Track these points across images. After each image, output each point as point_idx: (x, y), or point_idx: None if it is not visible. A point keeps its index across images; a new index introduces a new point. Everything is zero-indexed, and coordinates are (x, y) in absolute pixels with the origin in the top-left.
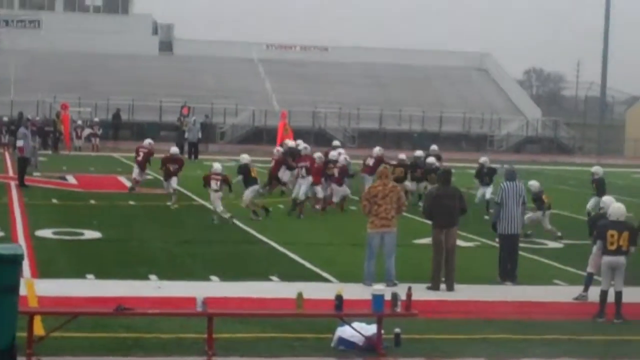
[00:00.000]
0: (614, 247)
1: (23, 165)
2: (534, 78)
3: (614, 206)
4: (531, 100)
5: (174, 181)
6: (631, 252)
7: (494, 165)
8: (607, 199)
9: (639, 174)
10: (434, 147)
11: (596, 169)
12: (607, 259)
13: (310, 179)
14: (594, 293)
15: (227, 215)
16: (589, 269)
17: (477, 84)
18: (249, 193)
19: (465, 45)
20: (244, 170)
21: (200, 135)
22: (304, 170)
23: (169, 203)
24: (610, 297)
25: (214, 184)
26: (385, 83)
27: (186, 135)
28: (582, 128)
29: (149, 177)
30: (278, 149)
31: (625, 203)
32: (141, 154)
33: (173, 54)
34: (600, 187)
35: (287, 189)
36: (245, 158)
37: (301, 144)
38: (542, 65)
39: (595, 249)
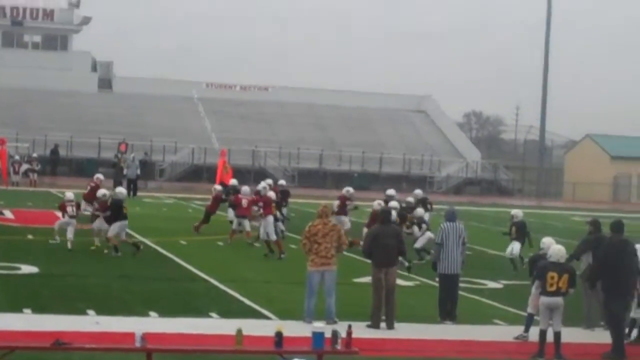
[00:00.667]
0: (553, 289)
1: None
2: (474, 121)
3: (554, 248)
4: (470, 143)
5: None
6: (570, 294)
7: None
8: (547, 240)
9: (578, 216)
10: (418, 191)
11: (515, 212)
12: (545, 300)
13: (270, 218)
14: (534, 333)
15: (69, 244)
16: (530, 310)
17: (416, 126)
18: (116, 228)
19: (404, 88)
20: (116, 205)
21: (139, 172)
22: (260, 210)
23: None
24: (550, 337)
25: (70, 210)
26: (325, 124)
27: (125, 172)
28: (522, 171)
29: (86, 212)
30: (215, 187)
31: (564, 245)
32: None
33: (112, 91)
34: (520, 230)
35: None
36: (121, 193)
37: (261, 184)
38: (481, 108)
39: (534, 288)
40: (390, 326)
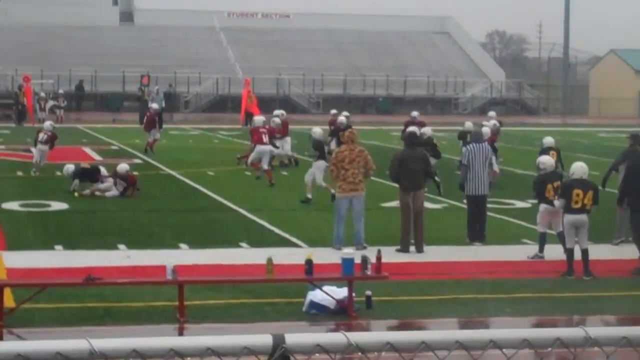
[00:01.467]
0: (578, 206)
1: None
2: (497, 40)
3: (576, 165)
4: (494, 62)
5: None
6: (592, 210)
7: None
8: (544, 158)
9: (603, 132)
10: (492, 113)
11: (547, 139)
12: (570, 217)
13: (266, 147)
14: (548, 251)
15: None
16: (541, 229)
17: (439, 48)
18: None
19: (426, 9)
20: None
21: (164, 104)
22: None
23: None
24: (577, 255)
25: (41, 136)
26: (347, 49)
27: (150, 104)
28: (547, 89)
29: (114, 147)
30: (256, 119)
31: (590, 162)
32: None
33: (134, 24)
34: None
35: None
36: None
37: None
38: (504, 27)
39: (542, 207)
40: (419, 249)
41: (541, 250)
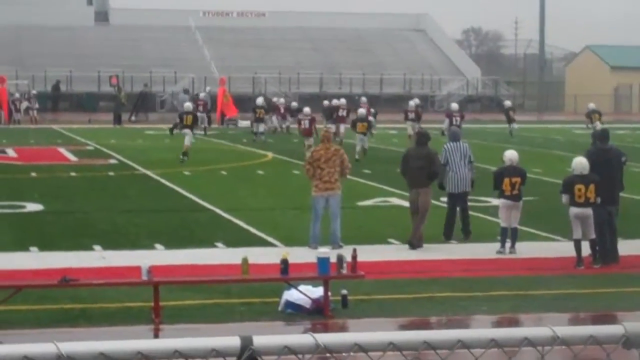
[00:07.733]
0: (582, 200)
1: None
2: (473, 37)
3: (577, 161)
4: (470, 60)
5: None
6: (598, 202)
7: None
8: (509, 152)
9: (579, 129)
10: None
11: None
12: (575, 210)
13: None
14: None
15: None
16: (504, 224)
17: (415, 45)
18: None
19: (402, 7)
20: None
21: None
22: None
23: None
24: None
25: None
26: (323, 47)
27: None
28: (522, 86)
29: (89, 147)
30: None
31: (566, 158)
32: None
33: (109, 24)
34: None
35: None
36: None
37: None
38: (480, 24)
39: (500, 201)
40: (412, 246)
41: (503, 244)
